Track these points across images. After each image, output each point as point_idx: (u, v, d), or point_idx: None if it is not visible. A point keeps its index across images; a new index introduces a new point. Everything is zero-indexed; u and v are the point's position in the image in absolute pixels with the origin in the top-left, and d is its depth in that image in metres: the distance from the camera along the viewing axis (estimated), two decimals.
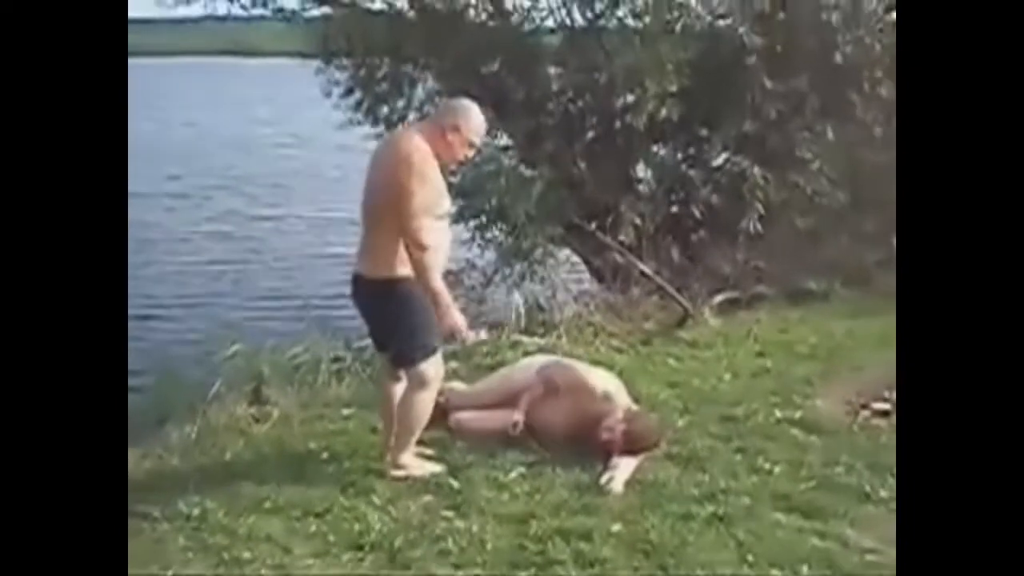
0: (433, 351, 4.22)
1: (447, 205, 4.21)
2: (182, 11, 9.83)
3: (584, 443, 4.59)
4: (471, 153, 4.38)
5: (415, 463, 4.38)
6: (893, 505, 4.15)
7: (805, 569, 3.59)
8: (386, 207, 4.06)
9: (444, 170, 4.26)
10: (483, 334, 4.46)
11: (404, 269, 4.05)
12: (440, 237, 4.13)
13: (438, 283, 4.10)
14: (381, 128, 8.42)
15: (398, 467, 4.34)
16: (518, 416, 4.68)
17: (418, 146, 4.07)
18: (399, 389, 4.33)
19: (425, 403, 4.27)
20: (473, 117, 4.23)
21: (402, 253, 4.04)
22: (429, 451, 4.55)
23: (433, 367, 4.23)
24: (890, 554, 3.71)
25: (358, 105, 8.60)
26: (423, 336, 4.16)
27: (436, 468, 4.40)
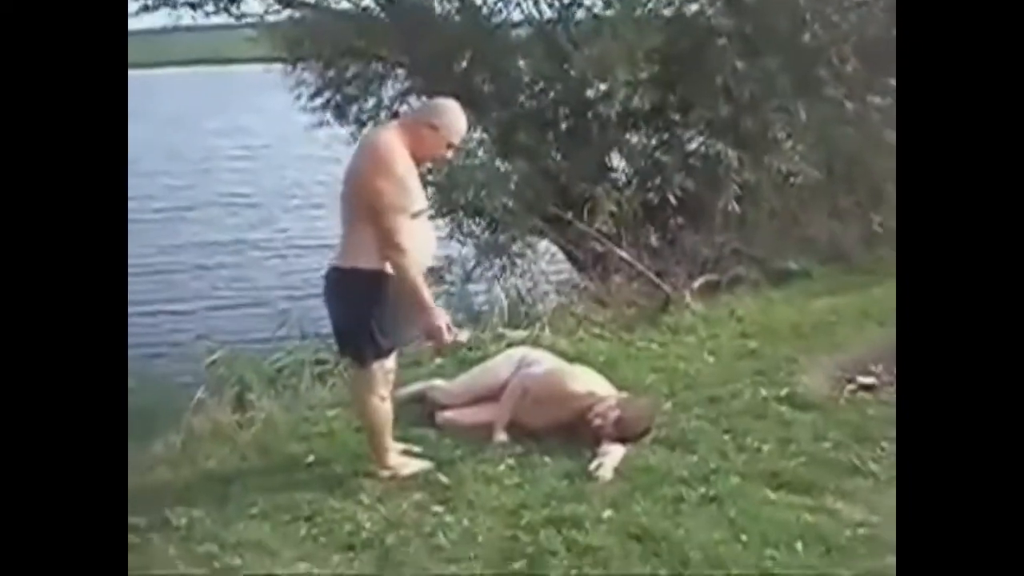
0: (386, 353, 4.16)
1: (422, 203, 4.15)
2: (146, 23, 9.73)
3: (573, 433, 4.58)
4: (450, 154, 4.32)
5: (401, 462, 4.35)
6: (883, 478, 4.18)
7: (799, 545, 3.60)
8: (357, 200, 4.03)
9: (422, 168, 4.22)
10: (464, 335, 4.40)
11: (375, 263, 4.00)
12: (419, 236, 4.07)
13: (419, 285, 4.03)
14: (352, 128, 8.40)
15: (385, 468, 4.31)
16: (501, 436, 4.65)
17: (388, 142, 4.05)
18: (376, 400, 4.24)
19: (375, 405, 4.21)
20: (452, 116, 4.17)
21: (375, 247, 3.98)
22: (416, 448, 4.52)
23: (381, 370, 4.17)
24: (881, 526, 3.73)
25: (326, 105, 8.56)
26: (380, 336, 4.08)
27: (424, 465, 4.37)
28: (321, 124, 8.64)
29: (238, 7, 8.98)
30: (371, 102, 8.58)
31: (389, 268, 4.01)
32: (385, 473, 4.28)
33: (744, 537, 3.67)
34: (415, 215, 4.04)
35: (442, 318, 4.10)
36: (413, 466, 4.35)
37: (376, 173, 3.96)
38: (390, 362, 4.22)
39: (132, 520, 3.90)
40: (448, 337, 4.13)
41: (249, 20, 9.19)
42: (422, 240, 4.12)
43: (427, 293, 4.07)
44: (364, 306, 4.05)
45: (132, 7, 8.91)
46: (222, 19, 9.35)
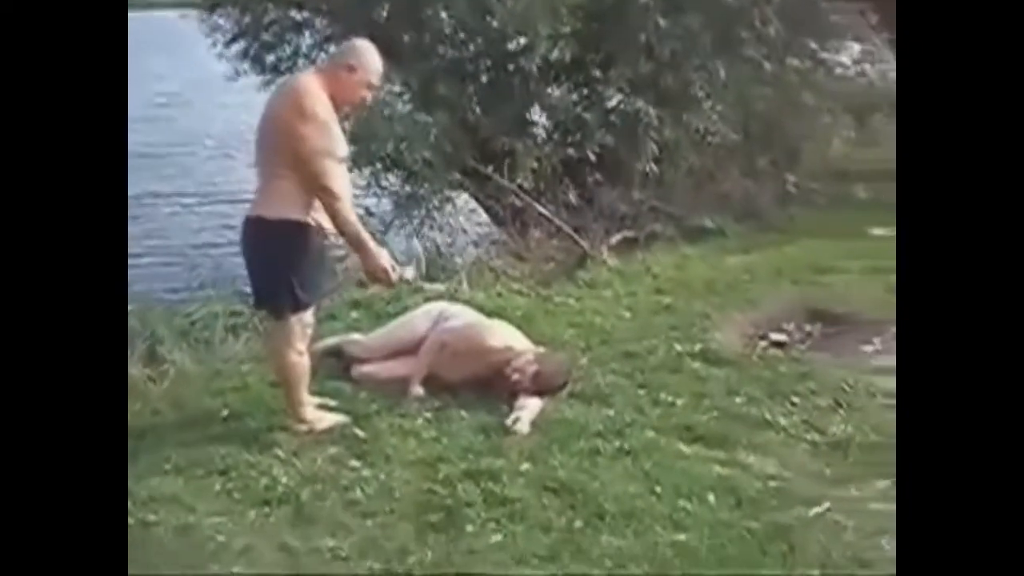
0: (304, 307, 4.11)
1: (344, 149, 4.11)
2: None
3: (490, 387, 4.60)
4: (369, 95, 4.27)
5: (317, 416, 4.31)
6: (793, 432, 4.28)
7: (711, 497, 3.67)
8: (278, 149, 3.95)
9: (342, 113, 4.16)
10: (410, 272, 4.36)
11: (301, 214, 3.94)
12: (344, 182, 4.04)
13: (357, 226, 4.01)
14: (268, 76, 8.22)
15: (301, 423, 4.26)
16: (418, 390, 4.64)
17: (308, 87, 3.98)
18: (294, 354, 4.18)
19: (293, 359, 4.15)
20: (369, 56, 4.13)
21: (297, 197, 3.93)
22: (332, 402, 4.48)
23: (299, 324, 4.11)
24: (791, 480, 3.83)
25: (244, 54, 8.36)
26: (300, 289, 4.03)
27: (340, 419, 4.34)
28: (238, 73, 8.41)
29: None
30: (289, 50, 8.40)
31: (309, 218, 3.96)
32: (301, 427, 4.24)
33: (658, 489, 3.73)
34: (340, 160, 4.00)
35: (386, 258, 4.09)
36: (329, 420, 4.31)
37: (298, 118, 3.89)
38: (308, 316, 4.17)
39: None
40: (395, 276, 4.13)
41: None
42: (346, 187, 4.08)
43: (367, 235, 4.07)
44: (284, 258, 3.99)
45: None
46: None
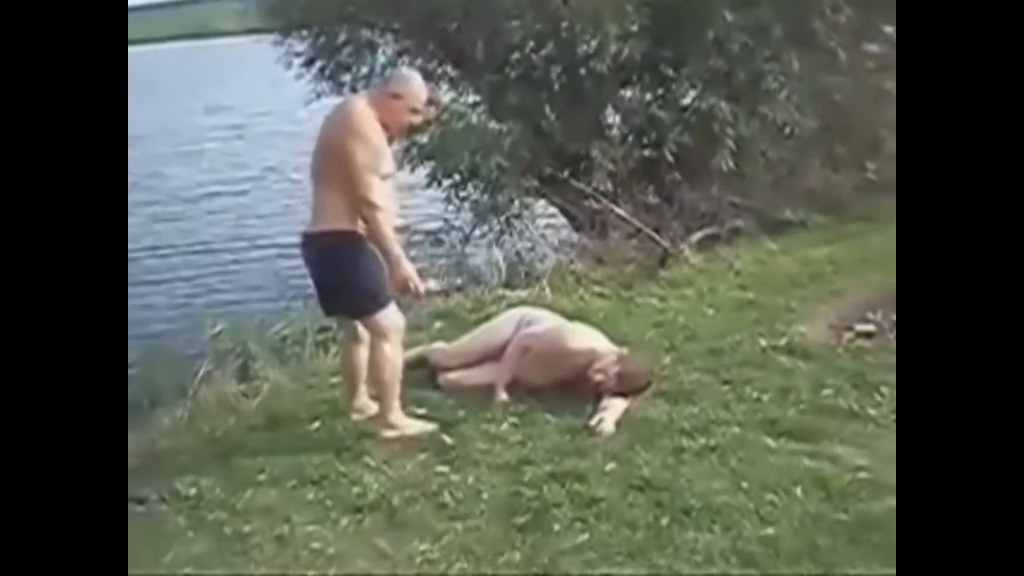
0: (386, 303, 4.27)
1: (390, 167, 4.31)
2: None
3: (574, 390, 4.63)
4: (417, 119, 4.53)
5: (406, 422, 4.41)
6: (882, 422, 4.22)
7: (798, 491, 3.64)
8: (331, 167, 4.18)
9: (393, 136, 4.42)
10: (432, 283, 4.54)
11: (351, 224, 4.15)
12: (387, 197, 4.22)
13: (391, 239, 4.19)
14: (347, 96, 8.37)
15: (390, 428, 4.36)
16: (503, 396, 4.70)
17: (359, 110, 4.22)
18: (361, 348, 4.43)
19: (390, 354, 4.30)
20: (414, 84, 4.38)
21: (350, 209, 4.14)
22: (420, 411, 4.57)
23: (388, 318, 4.27)
24: (880, 471, 3.77)
25: (320, 74, 8.54)
26: (374, 288, 4.22)
27: (428, 426, 4.42)
28: (319, 95, 8.56)
29: None
30: (365, 69, 8.55)
31: (359, 228, 4.16)
32: (390, 433, 4.34)
33: (744, 484, 3.71)
34: (384, 177, 4.19)
35: (411, 268, 4.24)
36: (417, 426, 4.41)
37: (349, 136, 4.12)
38: (392, 309, 4.30)
39: (141, 492, 3.97)
40: (422, 289, 4.33)
41: None
42: (389, 201, 4.25)
43: (397, 246, 4.23)
44: (356, 264, 4.19)
45: None
46: None
